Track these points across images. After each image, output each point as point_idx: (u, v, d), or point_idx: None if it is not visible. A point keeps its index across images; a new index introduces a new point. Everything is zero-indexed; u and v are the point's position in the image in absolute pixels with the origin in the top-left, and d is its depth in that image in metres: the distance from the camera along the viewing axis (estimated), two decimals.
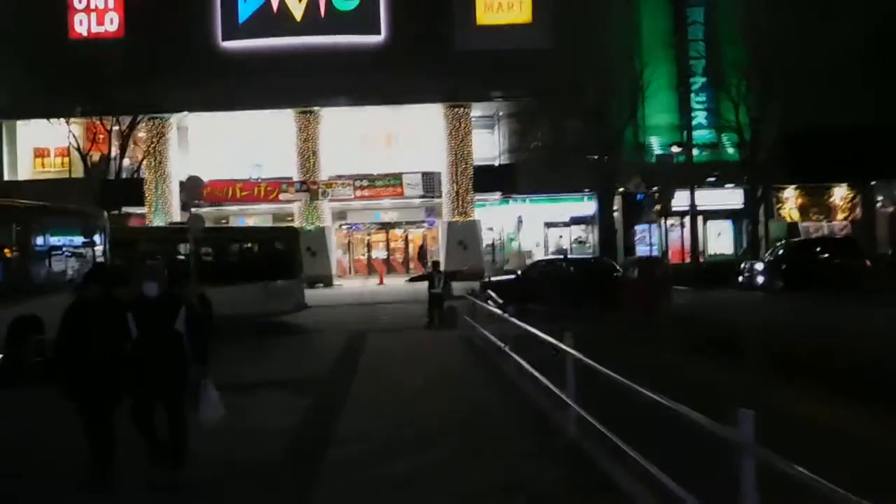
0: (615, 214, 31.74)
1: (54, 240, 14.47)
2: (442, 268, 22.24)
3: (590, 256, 23.81)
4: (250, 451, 7.08)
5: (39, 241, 13.84)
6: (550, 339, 7.51)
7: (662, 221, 30.47)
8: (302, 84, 30.37)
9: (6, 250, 12.66)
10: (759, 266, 23.24)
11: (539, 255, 33.94)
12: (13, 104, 30.62)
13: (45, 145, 33.19)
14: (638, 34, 30.77)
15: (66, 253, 14.91)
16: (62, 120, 28.78)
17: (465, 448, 7.07)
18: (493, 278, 24.06)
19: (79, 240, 15.48)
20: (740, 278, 23.51)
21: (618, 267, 20.18)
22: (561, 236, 34.89)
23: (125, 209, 31.53)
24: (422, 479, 6.18)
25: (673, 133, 31.86)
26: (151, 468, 5.89)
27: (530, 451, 6.83)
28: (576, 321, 12.65)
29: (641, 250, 32.83)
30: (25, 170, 33.42)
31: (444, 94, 31.59)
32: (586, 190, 32.82)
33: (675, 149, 27.73)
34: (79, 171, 30.16)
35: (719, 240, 32.97)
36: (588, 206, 33.35)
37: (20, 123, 32.95)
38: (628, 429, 5.65)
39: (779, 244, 25.82)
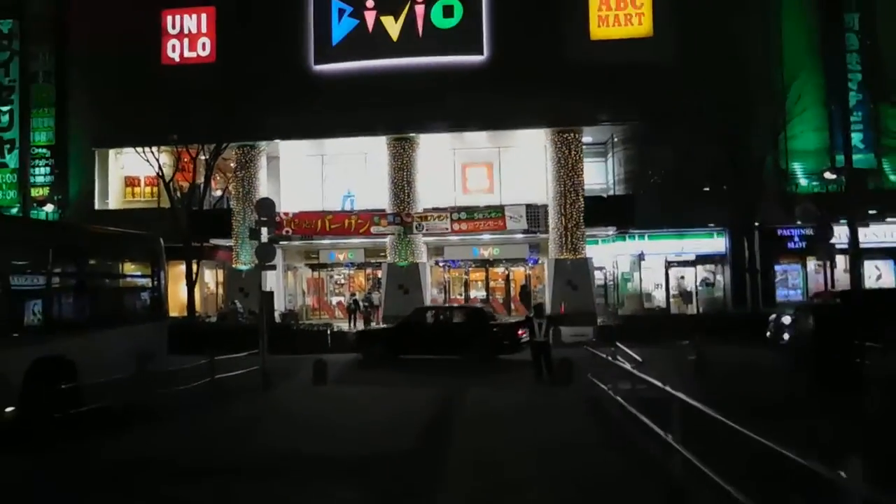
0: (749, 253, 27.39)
1: (94, 267, 12.19)
2: (548, 311, 19.06)
3: (467, 305, 23.60)
4: None
5: (73, 267, 11.54)
6: (800, 459, 4.03)
7: (808, 262, 26.04)
8: (398, 108, 28.19)
9: (23, 277, 10.32)
10: (787, 318, 16.22)
11: (660, 298, 30.02)
12: (106, 133, 29.83)
13: (135, 174, 32.31)
14: (779, 45, 26.81)
15: (110, 283, 12.64)
16: (149, 148, 27.37)
17: None
18: (373, 325, 22.09)
19: (128, 268, 13.22)
20: (768, 333, 16.97)
21: (494, 317, 19.59)
22: (682, 277, 30.70)
23: (212, 241, 30.01)
24: None
25: (820, 158, 27.53)
26: None
27: None
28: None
29: (781, 294, 28.52)
30: (116, 199, 32.55)
31: (552, 117, 28.50)
32: (712, 225, 28.78)
33: (828, 175, 23.47)
34: (167, 201, 28.78)
35: (878, 283, 27.89)
36: (717, 243, 29.17)
37: (112, 152, 32.19)
38: None
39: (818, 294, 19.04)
